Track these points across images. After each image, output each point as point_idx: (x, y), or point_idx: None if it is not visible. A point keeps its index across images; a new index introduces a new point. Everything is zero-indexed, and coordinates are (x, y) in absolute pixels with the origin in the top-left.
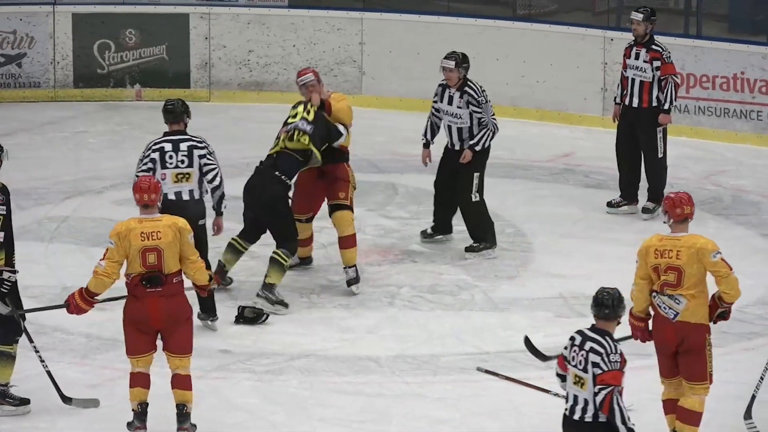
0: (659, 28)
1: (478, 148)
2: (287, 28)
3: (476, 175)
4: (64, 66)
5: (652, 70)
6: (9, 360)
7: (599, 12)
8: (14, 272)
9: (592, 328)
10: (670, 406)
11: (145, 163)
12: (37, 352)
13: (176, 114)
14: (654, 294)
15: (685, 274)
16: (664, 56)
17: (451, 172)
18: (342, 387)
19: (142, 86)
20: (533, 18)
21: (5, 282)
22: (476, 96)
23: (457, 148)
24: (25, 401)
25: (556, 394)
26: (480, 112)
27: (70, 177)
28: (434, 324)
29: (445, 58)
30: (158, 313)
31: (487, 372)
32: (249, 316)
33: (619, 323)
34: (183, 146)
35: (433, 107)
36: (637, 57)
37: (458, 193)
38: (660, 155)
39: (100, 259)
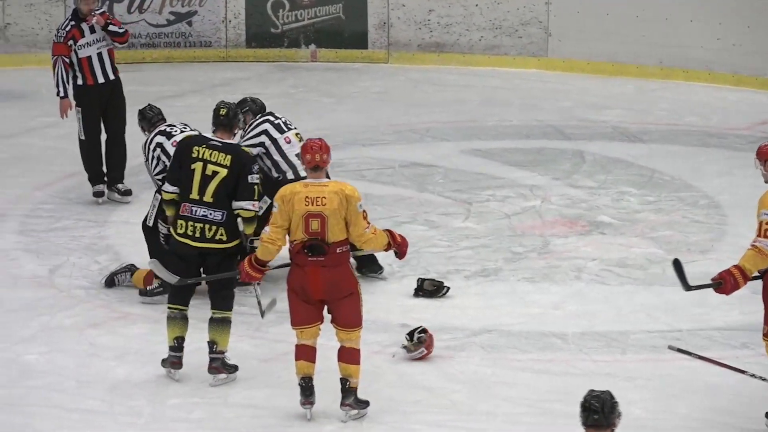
0: None
1: None
2: None
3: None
4: (236, 25)
5: None
6: (229, 326)
7: None
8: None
9: None
10: None
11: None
12: (257, 284)
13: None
14: None
15: None
16: None
17: None
18: (526, 365)
19: (318, 47)
20: None
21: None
22: None
23: None
24: (236, 368)
25: (753, 375)
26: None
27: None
28: (623, 299)
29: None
30: (319, 283)
31: (680, 351)
32: (429, 289)
33: None
34: None
35: None
36: None
37: None
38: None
39: (266, 225)
